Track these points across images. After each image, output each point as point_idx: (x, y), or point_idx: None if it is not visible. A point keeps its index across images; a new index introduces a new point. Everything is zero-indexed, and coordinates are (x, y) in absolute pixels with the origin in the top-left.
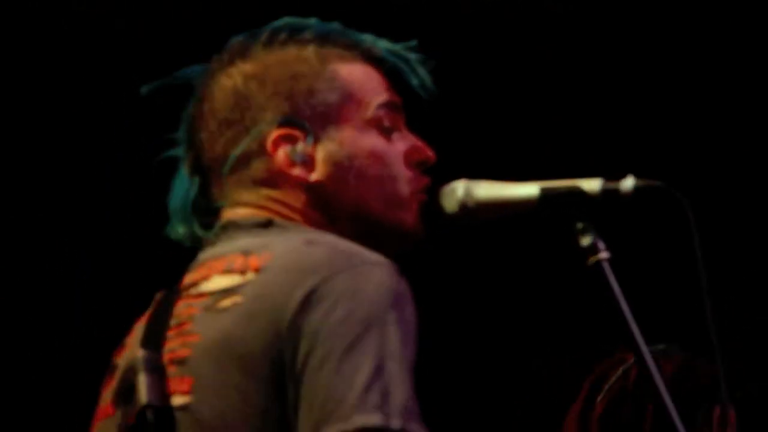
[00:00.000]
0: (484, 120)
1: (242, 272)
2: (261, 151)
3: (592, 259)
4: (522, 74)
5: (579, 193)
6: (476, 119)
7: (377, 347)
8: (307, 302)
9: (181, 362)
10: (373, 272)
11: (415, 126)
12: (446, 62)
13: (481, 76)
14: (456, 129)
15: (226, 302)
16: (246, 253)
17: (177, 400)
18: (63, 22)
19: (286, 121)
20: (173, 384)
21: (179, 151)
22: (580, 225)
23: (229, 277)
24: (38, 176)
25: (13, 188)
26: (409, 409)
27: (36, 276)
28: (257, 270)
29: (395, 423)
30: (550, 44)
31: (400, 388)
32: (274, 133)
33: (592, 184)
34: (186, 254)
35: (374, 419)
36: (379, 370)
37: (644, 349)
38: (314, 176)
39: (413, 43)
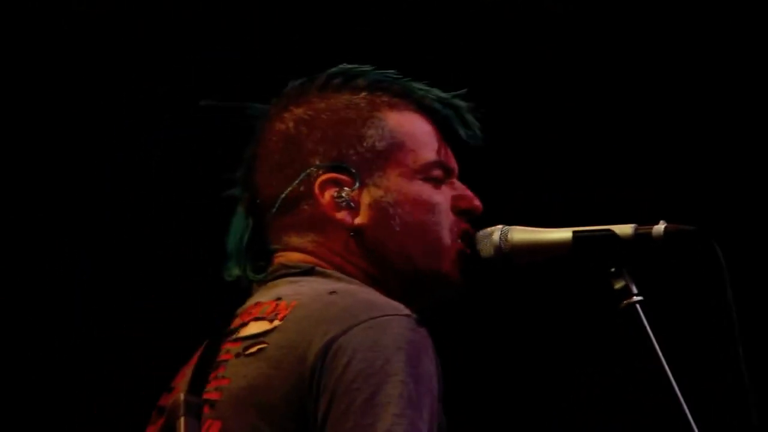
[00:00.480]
0: (519, 167)
1: (271, 319)
2: (309, 194)
3: (625, 302)
4: (554, 118)
5: (612, 237)
6: (511, 166)
7: (395, 399)
8: (327, 354)
9: (212, 405)
10: (391, 324)
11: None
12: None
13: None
14: (491, 175)
15: (254, 349)
16: (278, 299)
17: None
18: (63, 22)
19: (333, 166)
20: (205, 427)
21: (237, 192)
22: (612, 269)
23: (261, 323)
24: (38, 176)
25: (14, 188)
26: None
27: (36, 276)
28: (284, 317)
29: None
30: (586, 85)
31: None
32: (322, 177)
33: (624, 229)
34: (185, 255)
35: None
36: (400, 417)
37: (677, 390)
38: (358, 220)
39: (464, 91)
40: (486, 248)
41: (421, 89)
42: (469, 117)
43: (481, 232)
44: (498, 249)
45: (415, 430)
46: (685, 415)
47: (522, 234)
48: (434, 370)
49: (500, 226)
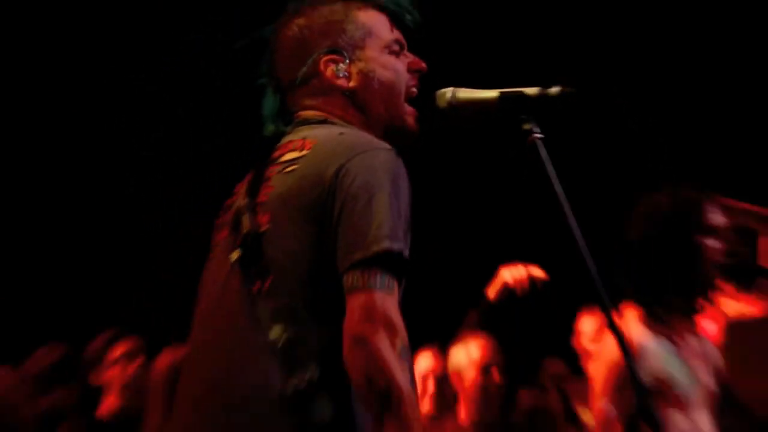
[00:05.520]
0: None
1: (300, 150)
2: (317, 72)
3: (530, 138)
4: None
5: (522, 95)
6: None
7: (384, 202)
8: (339, 174)
9: (262, 204)
10: (380, 154)
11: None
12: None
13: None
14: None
15: (290, 168)
16: (304, 138)
17: (262, 228)
18: (63, 22)
19: (330, 51)
20: (259, 216)
21: (264, 80)
22: (523, 116)
23: (293, 153)
24: (38, 176)
25: (14, 188)
26: (406, 241)
27: (36, 276)
28: (309, 149)
29: (397, 246)
30: None
31: (400, 227)
32: (323, 58)
33: (531, 90)
34: (186, 256)
35: (384, 245)
36: (386, 216)
37: (571, 217)
38: (351, 84)
39: None
40: (441, 101)
41: None
42: (410, 7)
43: (439, 91)
44: (449, 102)
45: (398, 222)
46: (581, 248)
47: (465, 93)
48: (408, 188)
49: (452, 88)
